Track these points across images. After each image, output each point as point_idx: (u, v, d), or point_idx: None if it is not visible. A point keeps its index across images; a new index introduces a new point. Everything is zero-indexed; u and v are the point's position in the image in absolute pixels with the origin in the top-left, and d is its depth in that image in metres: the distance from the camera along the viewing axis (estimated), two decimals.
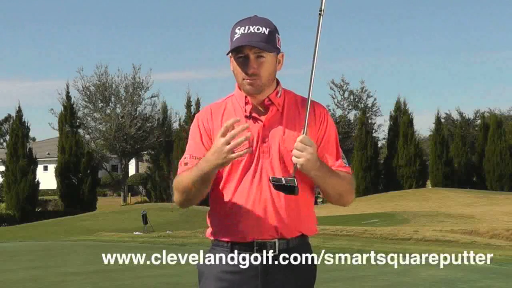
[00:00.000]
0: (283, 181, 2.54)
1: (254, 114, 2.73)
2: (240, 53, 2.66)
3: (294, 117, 2.75)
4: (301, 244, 2.76)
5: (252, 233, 2.67)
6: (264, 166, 2.68)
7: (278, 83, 2.79)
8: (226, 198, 2.71)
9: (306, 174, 2.64)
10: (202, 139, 2.76)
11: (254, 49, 2.64)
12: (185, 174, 2.68)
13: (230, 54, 2.71)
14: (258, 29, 2.65)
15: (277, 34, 2.70)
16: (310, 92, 2.66)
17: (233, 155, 2.50)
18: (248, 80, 2.67)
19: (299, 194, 2.70)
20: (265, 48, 2.63)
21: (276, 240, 2.69)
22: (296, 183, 2.53)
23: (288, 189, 2.54)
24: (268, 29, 2.66)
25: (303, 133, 2.60)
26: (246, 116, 2.73)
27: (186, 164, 2.74)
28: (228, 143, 2.49)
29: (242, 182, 2.68)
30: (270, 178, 2.57)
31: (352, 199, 2.83)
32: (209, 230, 2.81)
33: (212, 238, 2.79)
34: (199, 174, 2.60)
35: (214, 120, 2.76)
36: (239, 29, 2.66)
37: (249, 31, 2.64)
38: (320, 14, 2.63)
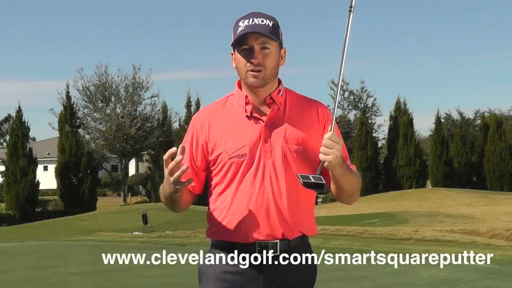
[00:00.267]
0: (312, 179, 2.54)
1: (255, 114, 2.72)
2: (244, 44, 2.65)
3: (296, 117, 2.74)
4: (302, 244, 2.76)
5: (254, 234, 2.66)
6: (266, 166, 2.67)
7: (280, 82, 2.79)
8: (228, 198, 2.70)
9: (316, 167, 2.64)
10: (191, 146, 2.76)
11: (259, 40, 2.64)
12: (161, 189, 2.73)
13: (232, 50, 2.71)
14: (262, 21, 2.66)
15: (279, 29, 2.71)
16: (339, 89, 2.72)
17: (178, 186, 2.55)
18: (252, 72, 2.66)
19: (301, 194, 2.70)
20: (271, 36, 2.64)
21: (278, 241, 2.68)
22: (324, 180, 2.53)
23: (318, 186, 2.54)
24: (272, 22, 2.67)
25: (331, 130, 2.60)
26: (247, 116, 2.72)
27: None
28: (172, 174, 2.53)
29: (243, 182, 2.67)
30: (299, 175, 2.56)
31: (357, 197, 2.85)
32: (209, 230, 2.80)
33: (212, 238, 2.79)
34: (165, 194, 2.68)
35: (211, 125, 2.74)
36: (242, 22, 2.66)
37: (253, 23, 2.64)
38: (350, 11, 2.63)
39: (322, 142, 2.57)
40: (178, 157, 2.51)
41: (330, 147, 2.55)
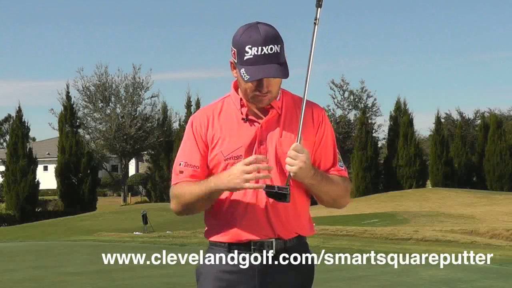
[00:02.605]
0: (276, 189, 2.55)
1: (250, 117, 2.72)
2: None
3: (292, 119, 2.73)
4: (299, 244, 2.76)
5: (249, 234, 2.68)
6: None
7: None
8: (223, 200, 2.71)
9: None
10: (197, 145, 2.74)
11: None
12: (188, 188, 2.68)
13: (232, 59, 2.66)
14: (271, 48, 2.58)
15: (284, 44, 2.65)
16: (304, 101, 2.65)
17: (247, 184, 2.53)
18: (259, 97, 2.65)
19: (296, 195, 2.71)
20: (283, 76, 2.60)
21: (273, 240, 2.69)
22: (289, 191, 2.54)
23: (280, 196, 2.54)
24: (279, 46, 2.61)
25: (297, 141, 2.60)
26: (242, 119, 2.71)
27: (181, 172, 2.73)
28: (249, 172, 2.52)
29: None
30: (264, 186, 2.57)
31: (346, 202, 2.84)
32: (207, 230, 2.81)
33: (209, 238, 2.79)
34: (207, 192, 2.63)
35: (209, 125, 2.74)
36: (250, 48, 2.58)
37: (262, 53, 2.57)
38: (315, 23, 2.63)
39: (287, 152, 2.58)
40: (270, 167, 2.56)
41: (294, 158, 2.56)
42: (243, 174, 2.53)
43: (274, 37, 2.61)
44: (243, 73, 2.58)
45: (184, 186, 2.70)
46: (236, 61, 2.64)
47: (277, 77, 2.60)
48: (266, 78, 2.59)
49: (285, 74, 2.61)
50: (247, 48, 2.58)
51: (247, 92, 2.66)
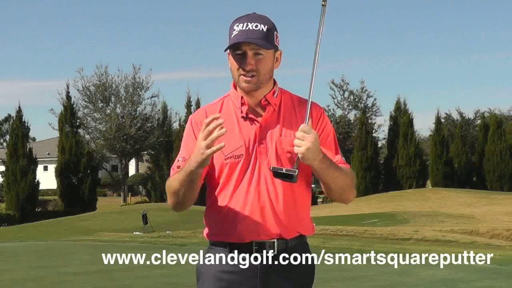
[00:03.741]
0: (284, 170, 2.54)
1: (250, 115, 2.72)
2: (237, 49, 2.65)
3: (291, 118, 2.74)
4: (300, 244, 2.76)
5: (251, 234, 2.67)
6: (262, 167, 2.68)
7: (275, 82, 2.78)
8: (224, 200, 2.70)
9: (308, 167, 2.61)
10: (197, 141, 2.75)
11: (252, 46, 2.63)
12: (174, 177, 2.69)
13: (228, 50, 2.71)
14: (256, 26, 2.63)
15: (275, 32, 2.69)
16: (312, 85, 2.66)
17: (208, 150, 2.48)
18: (244, 77, 2.66)
19: (297, 195, 2.70)
20: (263, 44, 2.62)
21: (275, 240, 2.69)
22: (297, 172, 2.51)
23: (287, 176, 2.52)
24: (266, 26, 2.65)
25: (305, 123, 2.58)
26: (242, 117, 2.72)
27: (178, 167, 2.73)
28: (205, 139, 2.49)
29: (240, 184, 2.68)
30: (271, 168, 2.57)
31: (353, 196, 2.82)
32: (207, 231, 2.80)
33: (210, 239, 2.79)
34: (185, 174, 2.61)
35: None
36: (237, 25, 2.65)
37: (247, 28, 2.63)
38: (323, 5, 2.63)
39: (295, 133, 2.56)
40: (220, 120, 2.47)
41: (301, 139, 2.53)
42: (201, 142, 2.50)
43: (262, 19, 2.67)
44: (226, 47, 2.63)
45: (171, 177, 2.72)
46: (225, 49, 2.68)
47: (254, 43, 2.60)
48: (243, 43, 2.60)
49: (264, 44, 2.62)
50: (234, 26, 2.66)
51: (235, 73, 2.68)
